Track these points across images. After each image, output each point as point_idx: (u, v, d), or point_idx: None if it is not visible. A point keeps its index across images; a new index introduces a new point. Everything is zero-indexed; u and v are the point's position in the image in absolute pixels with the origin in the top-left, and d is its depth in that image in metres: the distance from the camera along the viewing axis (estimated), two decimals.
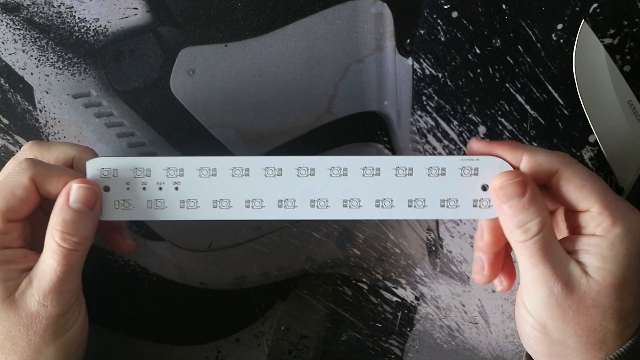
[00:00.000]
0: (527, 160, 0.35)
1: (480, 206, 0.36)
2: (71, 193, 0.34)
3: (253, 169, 0.35)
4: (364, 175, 0.35)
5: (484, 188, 0.36)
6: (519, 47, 0.44)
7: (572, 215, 0.36)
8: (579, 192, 0.34)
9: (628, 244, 0.33)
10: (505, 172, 0.35)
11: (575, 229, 0.36)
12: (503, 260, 0.38)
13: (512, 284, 0.39)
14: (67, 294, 0.34)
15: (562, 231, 0.37)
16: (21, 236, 0.36)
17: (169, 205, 0.36)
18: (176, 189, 0.35)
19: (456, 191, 0.35)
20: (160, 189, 0.35)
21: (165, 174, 0.35)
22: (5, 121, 0.44)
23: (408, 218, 0.37)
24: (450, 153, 0.45)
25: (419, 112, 0.45)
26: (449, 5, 0.44)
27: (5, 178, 0.35)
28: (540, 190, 0.35)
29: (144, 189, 0.36)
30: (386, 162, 0.35)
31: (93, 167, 0.36)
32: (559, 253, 0.34)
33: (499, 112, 0.45)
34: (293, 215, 0.35)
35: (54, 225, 0.34)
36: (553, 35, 0.44)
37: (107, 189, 0.36)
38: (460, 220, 0.46)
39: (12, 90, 0.44)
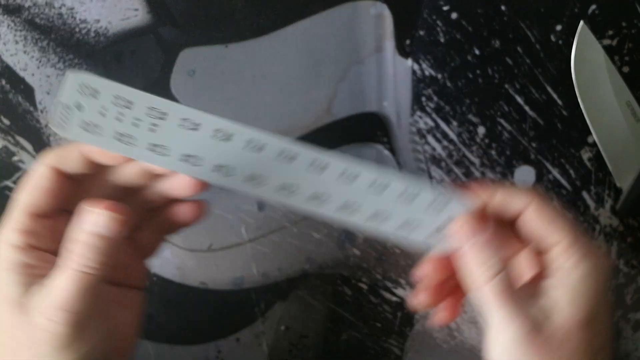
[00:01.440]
0: (492, 199, 0.34)
1: (437, 237, 0.35)
2: (90, 216, 0.32)
3: (236, 136, 0.33)
4: (338, 178, 0.34)
5: (444, 224, 0.34)
6: (518, 48, 0.44)
7: (541, 251, 0.35)
8: (549, 225, 0.33)
9: (597, 279, 0.33)
10: (467, 212, 0.34)
11: (543, 265, 0.35)
12: (446, 294, 0.37)
13: (451, 319, 0.38)
14: (76, 315, 0.32)
15: (529, 269, 0.36)
16: (51, 237, 0.33)
17: (139, 145, 0.33)
18: (152, 130, 0.33)
19: (418, 217, 0.34)
20: (136, 125, 0.33)
21: (145, 112, 0.33)
22: (7, 122, 0.44)
23: (366, 229, 0.36)
24: (450, 154, 0.45)
25: (418, 113, 0.45)
26: (448, 7, 0.44)
27: (29, 177, 0.34)
28: (507, 228, 0.34)
29: (119, 119, 0.33)
30: (364, 172, 0.34)
31: (74, 81, 0.32)
32: (524, 292, 0.33)
33: (498, 113, 0.45)
34: (260, 193, 0.34)
35: (70, 244, 0.32)
36: (552, 36, 0.44)
37: (79, 107, 0.33)
38: None
39: (13, 91, 0.44)
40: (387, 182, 0.34)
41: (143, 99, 0.33)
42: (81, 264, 0.32)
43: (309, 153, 0.34)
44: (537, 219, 0.34)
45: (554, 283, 0.33)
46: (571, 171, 0.46)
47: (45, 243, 0.34)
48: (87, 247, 0.32)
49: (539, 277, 0.34)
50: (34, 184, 0.33)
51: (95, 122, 0.33)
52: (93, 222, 0.32)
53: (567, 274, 0.33)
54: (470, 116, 0.45)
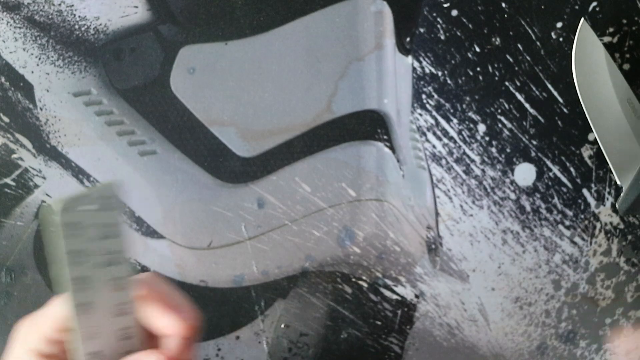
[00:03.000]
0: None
1: None
2: None
3: None
4: None
5: None
6: (519, 45, 0.44)
7: None
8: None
9: None
10: None
11: None
12: None
13: None
14: None
15: None
16: None
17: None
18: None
19: None
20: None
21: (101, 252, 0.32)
22: (6, 119, 0.44)
23: None
24: (450, 151, 0.45)
25: (418, 110, 0.45)
26: (448, 4, 0.44)
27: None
28: None
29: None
30: None
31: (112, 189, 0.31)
32: None
33: (499, 110, 0.45)
34: None
35: None
36: (552, 33, 0.44)
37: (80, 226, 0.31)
38: (459, 218, 0.46)
39: (12, 89, 0.44)
40: None
41: (122, 240, 0.32)
42: None
43: None
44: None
45: None
46: (572, 169, 0.46)
47: None
48: None
49: None
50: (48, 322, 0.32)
51: (85, 227, 0.31)
52: None
53: None
54: (471, 114, 0.45)
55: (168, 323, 0.32)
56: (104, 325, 0.31)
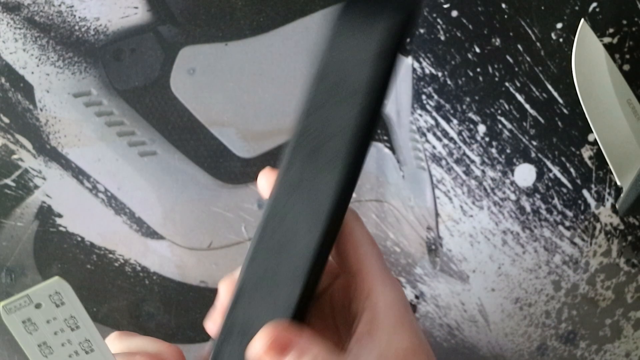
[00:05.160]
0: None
1: None
2: None
3: None
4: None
5: None
6: (519, 46, 0.44)
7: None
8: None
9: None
10: None
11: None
12: None
13: None
14: None
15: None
16: None
17: None
18: (70, 356, 0.33)
19: None
20: (63, 345, 0.33)
21: (80, 340, 0.32)
22: (6, 120, 0.44)
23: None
24: (450, 152, 0.45)
25: (418, 111, 0.45)
26: (448, 5, 0.44)
27: None
28: None
29: (56, 334, 0.32)
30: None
31: (53, 285, 0.32)
32: None
33: (499, 111, 0.45)
34: None
35: None
36: (552, 34, 0.44)
37: (38, 305, 0.32)
38: (459, 218, 0.46)
39: (12, 89, 0.44)
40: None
41: (88, 330, 0.33)
42: None
43: None
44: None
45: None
46: (572, 169, 0.46)
47: None
48: None
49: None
50: None
51: (38, 324, 0.32)
52: None
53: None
54: (471, 114, 0.45)
55: None
56: None
